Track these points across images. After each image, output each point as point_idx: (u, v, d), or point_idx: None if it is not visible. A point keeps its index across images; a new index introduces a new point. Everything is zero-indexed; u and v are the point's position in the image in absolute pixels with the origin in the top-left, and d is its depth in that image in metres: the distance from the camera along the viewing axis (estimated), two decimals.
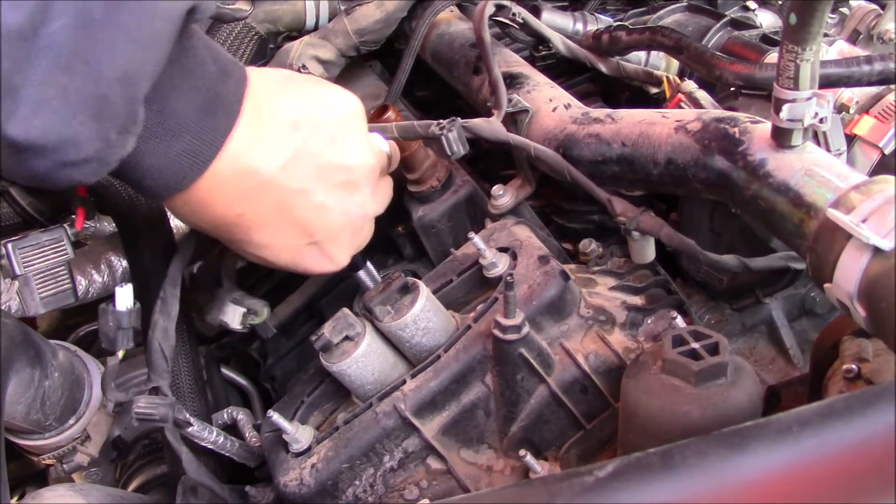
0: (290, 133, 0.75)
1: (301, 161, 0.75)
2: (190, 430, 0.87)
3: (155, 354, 0.85)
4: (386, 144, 0.88)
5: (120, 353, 0.85)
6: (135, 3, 0.58)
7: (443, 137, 0.85)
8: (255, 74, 0.75)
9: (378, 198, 0.87)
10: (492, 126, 0.91)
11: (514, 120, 0.99)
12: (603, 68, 1.09)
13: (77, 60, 0.56)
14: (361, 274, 0.90)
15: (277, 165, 0.74)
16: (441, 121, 0.87)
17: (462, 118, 1.04)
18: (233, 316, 0.89)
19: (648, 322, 0.84)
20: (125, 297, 0.84)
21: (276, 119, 0.75)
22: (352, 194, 0.80)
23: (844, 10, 1.25)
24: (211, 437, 0.90)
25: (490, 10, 1.00)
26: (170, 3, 0.61)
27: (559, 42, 1.07)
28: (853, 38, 1.22)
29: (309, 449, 0.80)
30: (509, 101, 0.98)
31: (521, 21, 1.04)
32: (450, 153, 0.86)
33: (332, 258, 0.83)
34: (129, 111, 0.62)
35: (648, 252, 0.85)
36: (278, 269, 0.83)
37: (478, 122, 0.91)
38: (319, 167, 0.77)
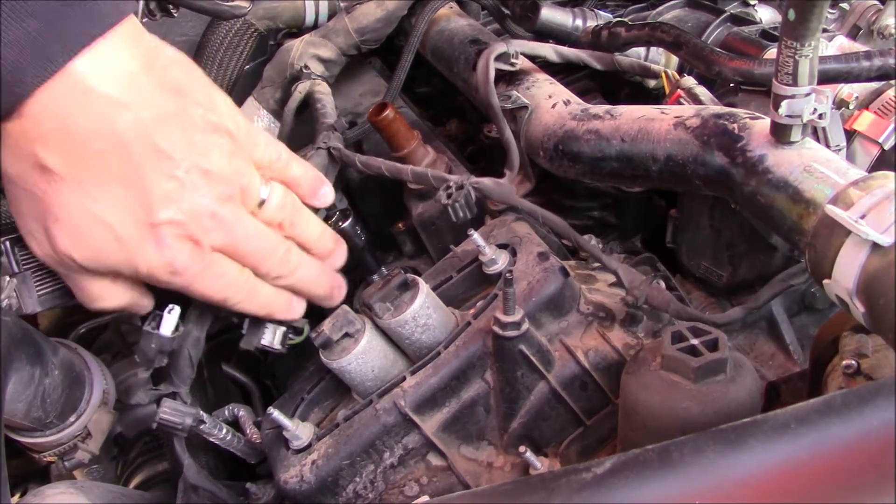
0: (173, 95, 0.71)
1: (177, 126, 0.71)
2: (202, 427, 0.88)
3: (183, 361, 0.86)
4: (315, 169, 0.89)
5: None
6: None
7: (449, 208, 0.86)
8: (159, 41, 0.72)
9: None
10: (501, 188, 0.90)
11: (513, 116, 0.99)
12: (597, 66, 1.08)
13: None
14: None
15: (153, 116, 0.69)
16: (451, 183, 0.87)
17: (464, 118, 1.03)
18: (272, 336, 0.88)
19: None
20: (171, 322, 0.83)
21: (165, 76, 0.71)
22: (227, 202, 0.75)
23: (844, 5, 1.25)
24: (220, 433, 0.90)
25: (493, 70, 0.99)
26: None
27: (551, 53, 1.07)
28: (853, 34, 1.21)
29: (309, 446, 0.80)
30: (508, 97, 0.98)
31: (519, 60, 1.03)
32: (455, 220, 0.87)
33: (169, 258, 0.74)
34: None
35: None
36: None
37: (487, 184, 0.89)
38: (193, 143, 0.72)
